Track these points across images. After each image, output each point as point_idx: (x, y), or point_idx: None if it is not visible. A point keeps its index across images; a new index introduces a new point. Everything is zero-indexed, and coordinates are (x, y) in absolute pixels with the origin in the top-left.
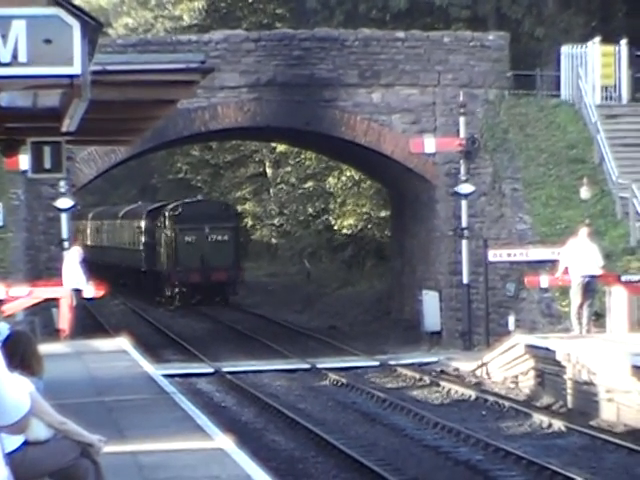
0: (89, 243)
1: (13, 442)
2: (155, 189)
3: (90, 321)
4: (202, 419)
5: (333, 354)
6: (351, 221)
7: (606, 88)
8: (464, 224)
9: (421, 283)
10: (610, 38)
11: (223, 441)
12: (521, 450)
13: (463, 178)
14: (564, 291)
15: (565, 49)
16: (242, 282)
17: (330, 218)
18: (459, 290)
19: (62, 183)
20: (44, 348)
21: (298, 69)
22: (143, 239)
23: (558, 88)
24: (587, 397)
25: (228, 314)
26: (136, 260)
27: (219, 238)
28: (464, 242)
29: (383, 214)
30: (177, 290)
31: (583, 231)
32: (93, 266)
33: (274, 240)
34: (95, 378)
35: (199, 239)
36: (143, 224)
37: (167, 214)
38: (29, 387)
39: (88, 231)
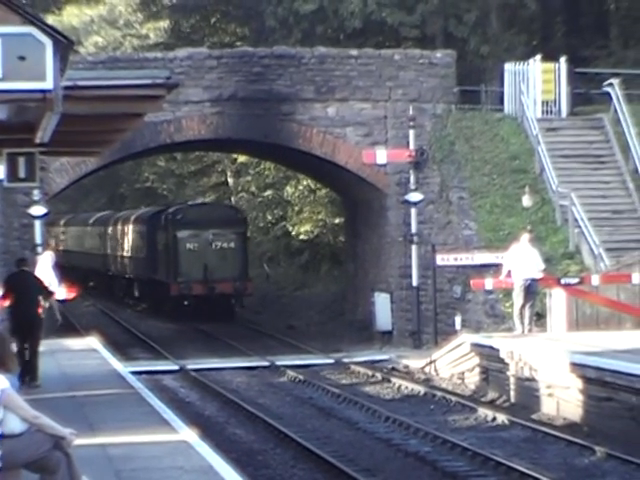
0: (62, 248)
1: None
2: (123, 197)
3: (62, 321)
4: (168, 413)
5: (291, 352)
6: (307, 227)
7: (546, 103)
8: (413, 230)
9: (373, 285)
10: (550, 56)
11: (187, 434)
12: (467, 442)
13: (413, 187)
14: (507, 293)
15: (508, 66)
16: (250, 295)
17: (288, 225)
18: (409, 292)
19: (36, 192)
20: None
21: (258, 85)
22: (139, 245)
23: (501, 103)
24: (529, 392)
25: None
26: (137, 268)
27: (224, 245)
28: (414, 247)
29: (337, 221)
30: (177, 302)
31: (525, 237)
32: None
33: None
34: (67, 375)
35: (202, 246)
36: (139, 229)
37: (167, 218)
38: (5, 383)
39: (61, 237)
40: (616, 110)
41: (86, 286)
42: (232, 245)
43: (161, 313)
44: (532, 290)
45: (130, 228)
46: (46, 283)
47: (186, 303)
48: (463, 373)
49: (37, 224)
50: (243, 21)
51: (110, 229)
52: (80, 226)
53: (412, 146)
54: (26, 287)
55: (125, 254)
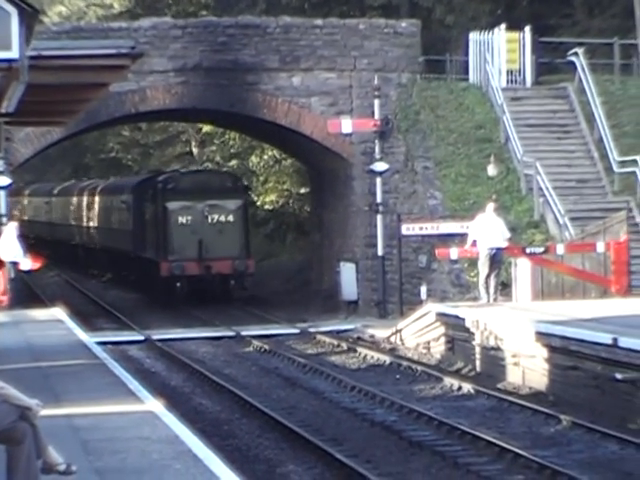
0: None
1: None
2: (88, 167)
3: (27, 292)
4: (133, 384)
5: (256, 322)
6: (273, 197)
7: (511, 72)
8: (379, 200)
9: (339, 255)
10: (515, 25)
11: (153, 404)
12: (433, 411)
13: (378, 157)
14: (472, 262)
15: (473, 36)
16: (251, 275)
17: (253, 195)
18: (374, 262)
19: (0, 162)
20: None
21: (222, 54)
22: (123, 218)
23: (466, 72)
24: (494, 362)
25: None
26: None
27: (222, 219)
28: (379, 217)
29: (303, 191)
30: (168, 284)
31: (490, 206)
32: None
33: None
34: (32, 345)
35: (196, 220)
36: (124, 200)
37: (156, 188)
38: None
39: (26, 205)
40: (581, 79)
41: (51, 257)
42: (230, 218)
43: (124, 282)
44: (497, 259)
45: (112, 199)
46: (11, 254)
47: (178, 284)
48: (429, 342)
49: (1, 194)
50: None
51: (86, 199)
52: (45, 197)
53: (377, 116)
54: None
55: (101, 227)
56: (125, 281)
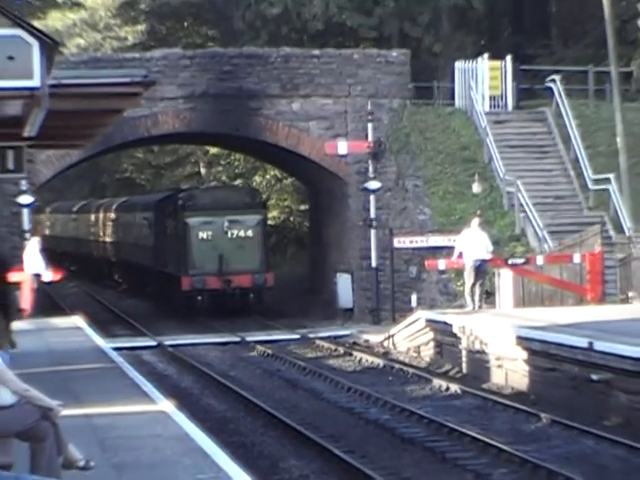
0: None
1: None
2: (104, 187)
3: (49, 301)
4: (147, 386)
5: (260, 329)
6: (275, 213)
7: (494, 97)
8: (372, 215)
9: (336, 267)
10: (497, 54)
11: (165, 405)
12: (423, 410)
13: (371, 176)
14: (459, 273)
15: (458, 64)
16: (270, 289)
17: None
18: (369, 272)
19: (23, 182)
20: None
21: (228, 82)
22: (146, 234)
23: (453, 98)
24: (479, 364)
25: None
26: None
27: (242, 234)
28: (372, 231)
29: (302, 207)
30: (190, 298)
31: (475, 221)
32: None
33: None
34: (53, 351)
35: (216, 235)
36: (145, 216)
37: (177, 204)
38: None
39: (47, 223)
40: (558, 104)
41: (71, 269)
42: (250, 233)
43: (138, 292)
44: (481, 270)
45: (135, 215)
46: (34, 266)
47: (199, 298)
48: (419, 347)
49: (25, 212)
50: (214, 24)
51: (104, 216)
52: (65, 214)
53: (370, 138)
54: None
55: (121, 242)
56: (139, 291)
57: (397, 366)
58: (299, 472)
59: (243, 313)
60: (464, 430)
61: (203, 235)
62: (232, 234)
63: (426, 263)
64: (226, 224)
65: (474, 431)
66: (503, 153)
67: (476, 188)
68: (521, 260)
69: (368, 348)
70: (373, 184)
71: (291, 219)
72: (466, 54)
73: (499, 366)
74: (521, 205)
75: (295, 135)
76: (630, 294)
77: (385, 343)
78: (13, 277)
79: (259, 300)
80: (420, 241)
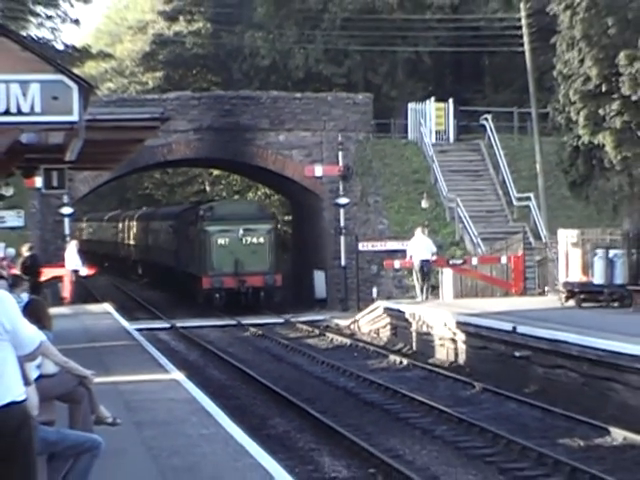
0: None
1: (33, 375)
2: (129, 201)
3: (84, 292)
4: (162, 360)
5: (252, 315)
6: None
7: (438, 132)
8: (342, 225)
9: (313, 265)
10: (441, 98)
11: (177, 375)
12: (381, 380)
13: (341, 193)
14: (410, 271)
15: (411, 105)
16: (279, 288)
17: None
18: (339, 270)
19: (65, 197)
20: (53, 310)
21: (227, 118)
22: (169, 239)
23: (406, 132)
24: (426, 343)
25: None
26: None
27: (254, 241)
28: (342, 237)
29: (287, 218)
30: (209, 295)
31: (418, 230)
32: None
33: None
34: (88, 331)
35: (233, 241)
36: (171, 224)
37: (198, 215)
38: (43, 336)
39: (84, 229)
40: (489, 137)
41: (103, 266)
42: (261, 240)
43: (157, 286)
44: (427, 269)
45: (160, 223)
46: (73, 263)
47: (217, 296)
48: (378, 329)
49: (66, 220)
50: (217, 72)
51: (129, 223)
52: (98, 222)
53: (341, 163)
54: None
55: (152, 246)
56: (157, 285)
57: (361, 344)
58: (283, 428)
59: (255, 309)
60: (414, 395)
61: (221, 241)
62: (246, 241)
63: (384, 263)
64: (241, 232)
65: (422, 396)
66: (446, 176)
67: (424, 204)
68: (460, 261)
69: (338, 330)
70: (342, 200)
71: (278, 228)
72: (417, 97)
73: (442, 345)
74: (460, 217)
75: (281, 161)
76: (546, 288)
77: (351, 326)
78: (57, 272)
79: (269, 297)
80: (380, 245)
